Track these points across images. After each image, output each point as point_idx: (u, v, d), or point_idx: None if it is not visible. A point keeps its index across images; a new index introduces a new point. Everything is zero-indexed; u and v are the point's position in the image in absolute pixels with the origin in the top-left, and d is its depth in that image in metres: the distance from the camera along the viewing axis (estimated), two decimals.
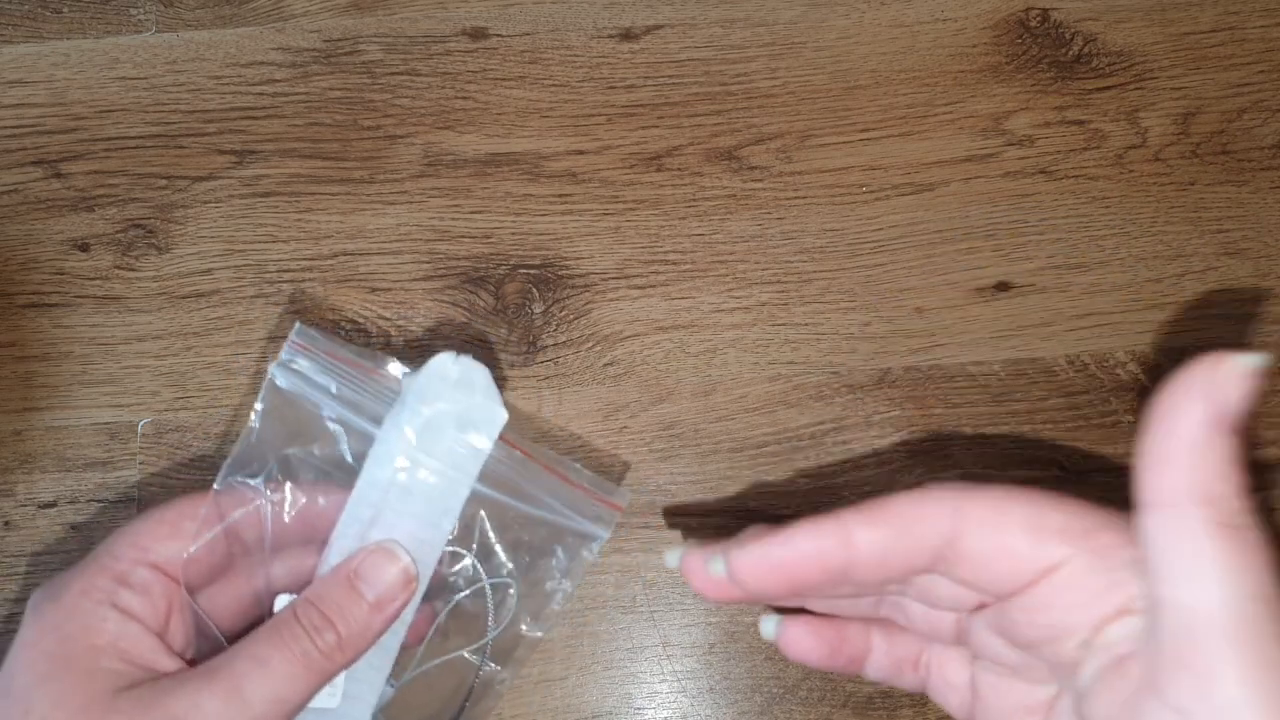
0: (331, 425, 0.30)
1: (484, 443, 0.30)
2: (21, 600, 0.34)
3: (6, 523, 0.34)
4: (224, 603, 0.30)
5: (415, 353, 0.35)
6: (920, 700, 0.33)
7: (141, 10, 0.39)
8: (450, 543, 0.30)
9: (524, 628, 0.32)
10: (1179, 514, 0.21)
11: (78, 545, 0.34)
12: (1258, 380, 0.21)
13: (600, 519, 0.32)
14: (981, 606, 0.26)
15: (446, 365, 0.30)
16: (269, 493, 0.29)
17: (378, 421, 0.30)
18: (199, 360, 0.36)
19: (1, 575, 0.34)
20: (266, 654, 0.27)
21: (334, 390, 0.30)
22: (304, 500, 0.30)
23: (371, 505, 0.29)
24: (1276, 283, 0.36)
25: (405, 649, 0.31)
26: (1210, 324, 0.35)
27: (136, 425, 0.35)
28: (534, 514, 0.31)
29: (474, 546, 0.31)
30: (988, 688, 0.27)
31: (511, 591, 0.32)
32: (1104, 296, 0.36)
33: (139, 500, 0.34)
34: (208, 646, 0.29)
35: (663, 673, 0.33)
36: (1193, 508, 0.21)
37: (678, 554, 0.27)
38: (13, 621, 0.34)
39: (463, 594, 0.31)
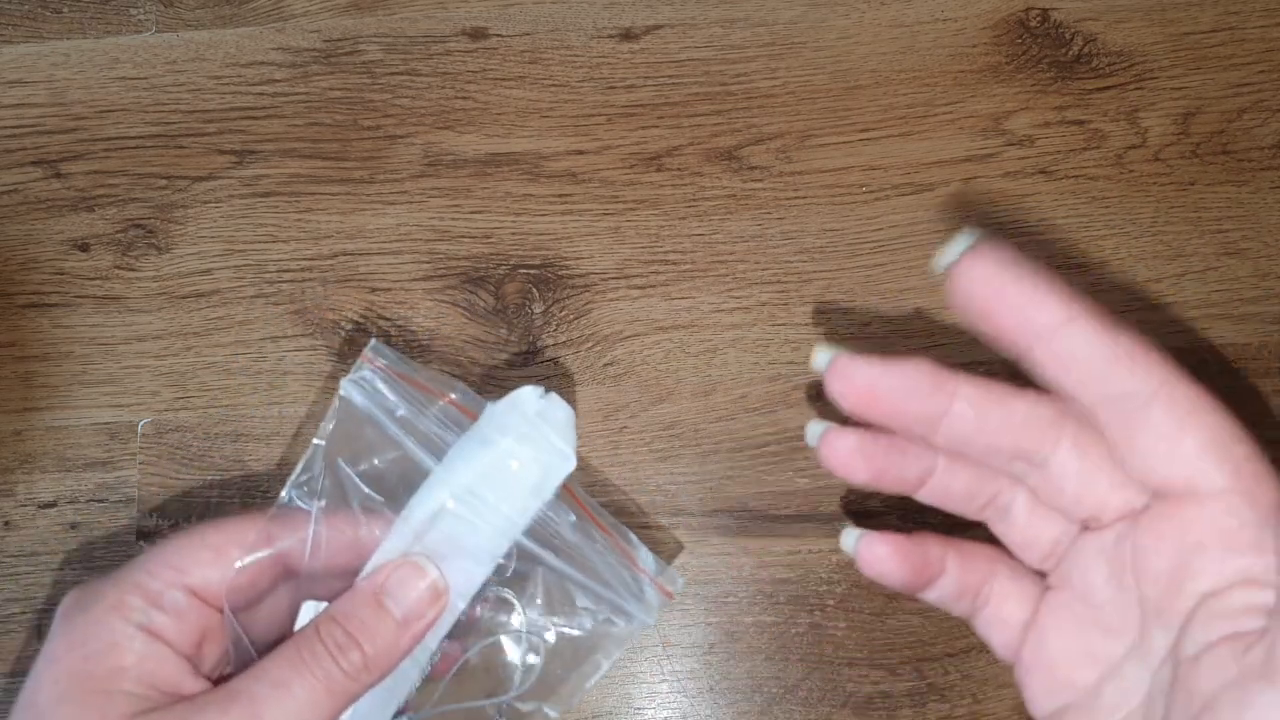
0: (395, 450, 0.29)
1: (548, 487, 0.28)
2: (21, 600, 0.34)
3: (6, 523, 0.34)
4: (265, 623, 0.29)
5: (415, 351, 0.35)
6: (919, 700, 0.33)
7: (141, 10, 0.39)
8: (497, 584, 0.29)
9: (545, 706, 0.30)
10: None
11: (78, 545, 0.34)
12: None
13: (647, 602, 0.30)
14: (1090, 527, 0.26)
15: (529, 400, 0.28)
16: (324, 516, 0.28)
17: (440, 451, 0.29)
18: (199, 360, 0.36)
19: (1, 575, 0.34)
20: (287, 677, 0.25)
21: (404, 413, 0.29)
22: (359, 523, 0.28)
23: (419, 528, 0.28)
24: (1276, 283, 0.36)
25: (430, 680, 0.29)
26: (1210, 324, 0.35)
27: (136, 425, 0.35)
28: (580, 584, 0.29)
29: (520, 600, 0.30)
30: (1053, 626, 0.26)
31: (534, 654, 0.30)
32: (1104, 296, 0.36)
33: (139, 500, 0.34)
34: (246, 655, 0.28)
35: (663, 673, 0.33)
36: None
37: (827, 355, 0.26)
38: (12, 621, 0.34)
39: (496, 638, 0.30)
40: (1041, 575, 0.28)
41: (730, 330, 0.36)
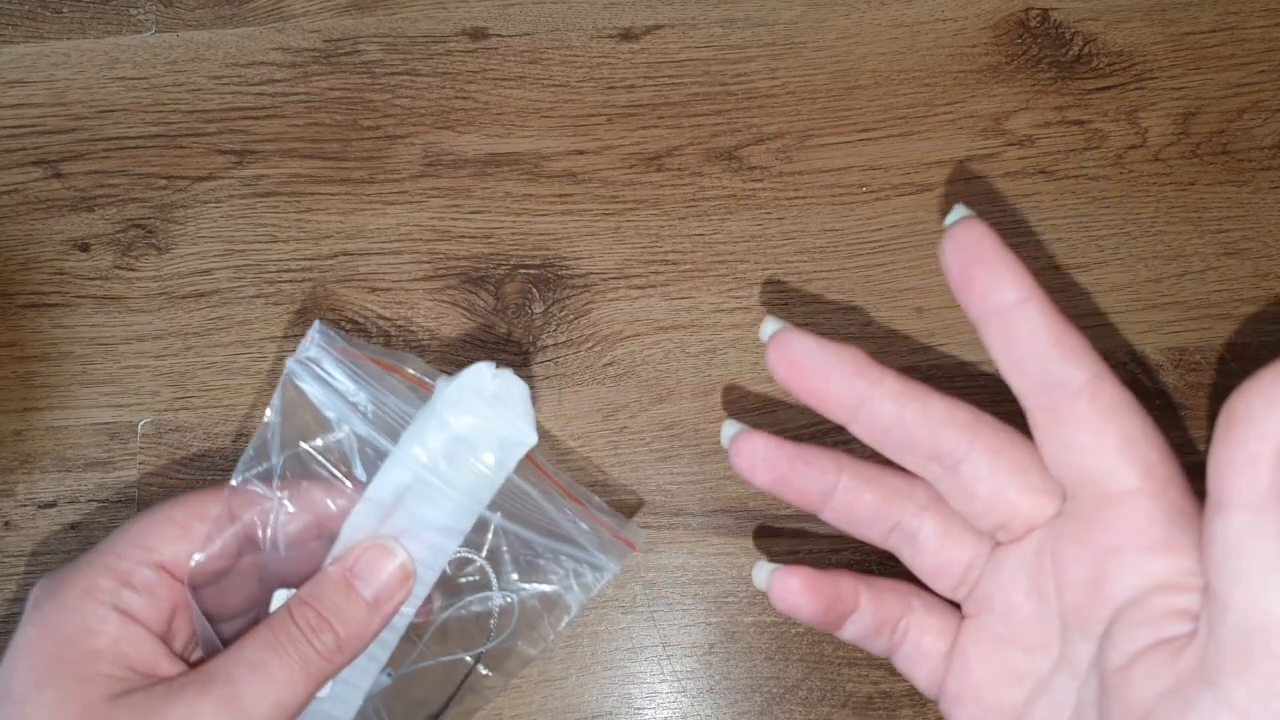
0: (347, 426, 0.29)
1: (509, 463, 0.29)
2: (21, 600, 0.34)
3: (6, 523, 0.34)
4: (230, 599, 0.29)
5: (415, 351, 0.35)
6: (920, 700, 0.33)
7: (141, 10, 0.39)
8: (467, 551, 0.30)
9: (520, 643, 0.32)
10: (1257, 517, 0.21)
11: (78, 545, 0.34)
12: None
13: (612, 552, 0.31)
14: (1002, 541, 0.26)
15: (484, 377, 0.29)
16: (281, 491, 0.29)
17: (397, 424, 0.29)
18: (199, 360, 0.36)
19: (1, 575, 0.34)
20: (263, 659, 0.26)
21: (353, 391, 0.29)
22: (316, 500, 0.29)
23: (383, 507, 0.29)
24: (1276, 283, 0.36)
25: (406, 639, 0.30)
26: (1210, 324, 0.35)
27: (136, 425, 0.35)
28: (547, 536, 0.30)
29: (485, 553, 0.31)
30: (975, 652, 0.26)
31: (509, 599, 0.31)
32: (1104, 296, 0.36)
33: (139, 500, 0.34)
34: (213, 647, 0.28)
35: (663, 673, 0.33)
36: (1273, 512, 0.21)
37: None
38: (11, 621, 0.34)
39: (471, 599, 0.31)
40: (956, 606, 0.28)
41: (730, 330, 0.36)
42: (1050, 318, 0.24)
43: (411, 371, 0.30)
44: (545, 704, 0.33)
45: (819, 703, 0.33)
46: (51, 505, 0.34)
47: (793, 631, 0.33)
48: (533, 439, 0.29)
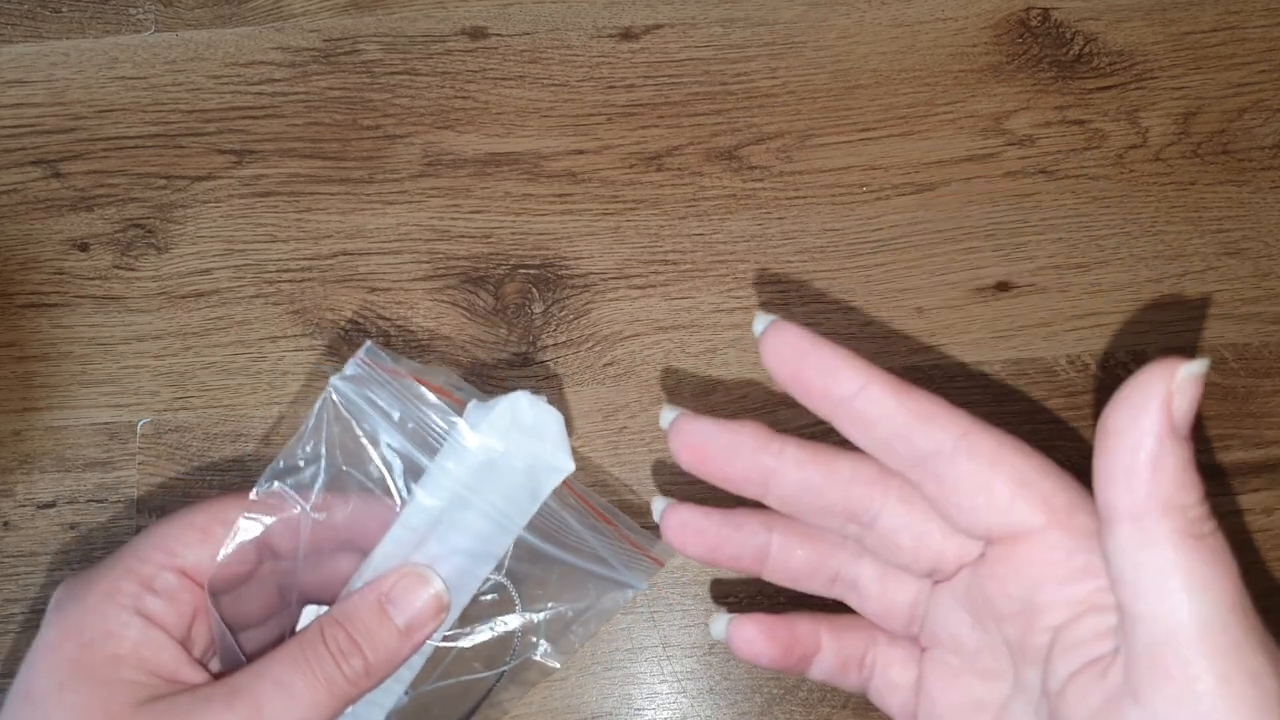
0: (385, 448, 0.29)
1: (544, 490, 0.29)
2: (20, 600, 0.34)
3: (6, 523, 0.34)
4: (248, 606, 0.29)
5: (415, 352, 0.35)
6: None
7: (141, 10, 0.39)
8: (496, 574, 0.30)
9: (540, 656, 0.31)
10: (1142, 527, 0.21)
11: (77, 545, 0.34)
12: (1201, 385, 0.21)
13: (639, 570, 0.31)
14: (938, 580, 0.26)
15: (521, 406, 0.28)
16: (308, 502, 0.28)
17: (437, 445, 0.29)
18: (199, 360, 0.36)
19: (1, 575, 0.34)
20: (290, 677, 0.26)
21: (394, 410, 0.29)
22: (344, 511, 0.29)
23: (417, 532, 0.28)
24: (1277, 283, 0.36)
25: (429, 660, 0.30)
26: (1210, 324, 0.35)
27: (136, 425, 0.35)
28: (575, 554, 0.30)
29: (505, 569, 0.30)
30: (936, 684, 0.26)
31: (534, 618, 0.31)
32: (1104, 296, 0.36)
33: (138, 500, 0.34)
34: (231, 654, 0.28)
35: (663, 673, 0.33)
36: (1156, 520, 0.21)
37: (670, 415, 0.27)
38: (11, 621, 0.34)
39: (499, 619, 0.31)
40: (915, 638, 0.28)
41: (730, 330, 0.36)
42: (898, 392, 0.24)
43: (457, 392, 0.30)
44: (545, 704, 0.33)
45: (819, 703, 0.33)
46: (51, 505, 0.34)
47: None
48: (569, 467, 0.29)
